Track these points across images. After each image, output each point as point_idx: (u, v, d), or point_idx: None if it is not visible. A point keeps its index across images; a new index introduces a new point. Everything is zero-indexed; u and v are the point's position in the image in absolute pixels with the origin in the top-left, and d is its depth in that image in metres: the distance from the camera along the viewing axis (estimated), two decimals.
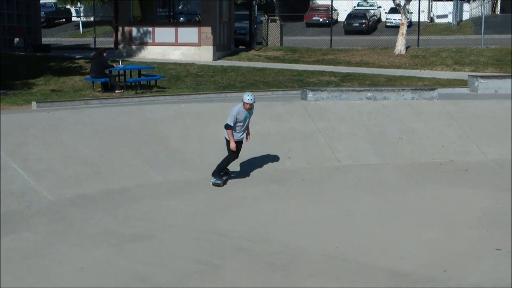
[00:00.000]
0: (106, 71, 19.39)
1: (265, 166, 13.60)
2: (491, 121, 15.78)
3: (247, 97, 12.23)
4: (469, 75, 20.07)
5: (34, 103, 15.20)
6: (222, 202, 11.55)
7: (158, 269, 8.64)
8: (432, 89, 16.61)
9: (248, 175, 13.06)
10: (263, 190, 12.28)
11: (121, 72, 20.08)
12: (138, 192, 11.84)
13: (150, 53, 28.71)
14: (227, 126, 12.19)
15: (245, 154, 13.21)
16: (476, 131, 15.42)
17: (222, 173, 12.54)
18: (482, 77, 19.07)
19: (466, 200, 11.92)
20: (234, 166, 12.87)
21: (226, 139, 12.42)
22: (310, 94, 15.88)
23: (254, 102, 12.24)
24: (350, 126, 15.21)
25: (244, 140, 12.67)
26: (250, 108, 12.25)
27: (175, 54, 28.48)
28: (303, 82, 22.18)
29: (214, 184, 12.34)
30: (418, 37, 32.16)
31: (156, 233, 9.97)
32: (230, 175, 12.78)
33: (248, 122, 12.52)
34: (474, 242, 9.96)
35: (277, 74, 24.21)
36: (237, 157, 12.58)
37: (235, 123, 12.18)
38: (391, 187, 12.74)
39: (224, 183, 12.43)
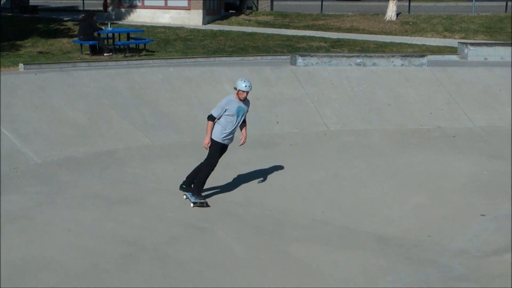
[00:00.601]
0: (95, 34, 19.21)
1: (253, 131, 13.55)
2: (479, 88, 15.81)
3: (243, 83, 9.46)
4: (459, 42, 20.03)
5: (21, 65, 15.04)
6: None
7: (145, 232, 8.67)
8: (422, 56, 16.59)
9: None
10: (251, 154, 12.27)
11: (110, 35, 19.90)
12: (126, 155, 11.82)
13: (140, 16, 28.43)
14: (210, 117, 9.57)
15: None
16: (464, 98, 15.45)
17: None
18: (472, 44, 19.04)
19: (453, 166, 12.00)
20: None
21: (212, 140, 9.66)
22: (300, 59, 15.82)
23: (251, 89, 9.62)
24: (339, 91, 15.19)
25: (232, 143, 10.02)
26: (245, 98, 9.63)
27: (165, 18, 28.20)
28: (292, 47, 22.08)
29: (197, 205, 9.59)
30: (409, 3, 31.96)
31: (143, 196, 9.99)
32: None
33: (244, 119, 9.82)
34: (460, 208, 10.06)
35: (267, 39, 24.08)
36: (215, 164, 9.73)
37: (221, 116, 9.55)
38: (378, 152, 12.78)
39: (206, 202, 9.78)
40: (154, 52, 20.24)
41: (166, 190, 10.32)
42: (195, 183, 9.72)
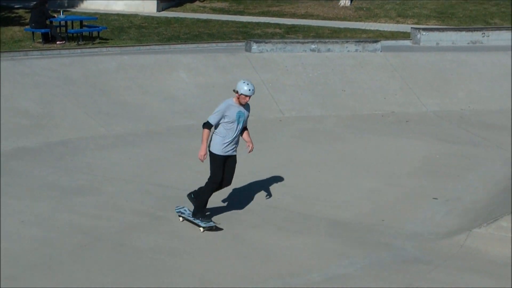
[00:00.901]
0: (47, 22, 18.93)
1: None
2: (432, 73, 16.04)
3: (245, 86, 8.33)
4: (411, 28, 20.26)
5: None
6: (165, 154, 11.53)
7: (101, 222, 8.64)
8: (376, 41, 16.77)
9: (191, 126, 13.02)
10: None
11: (63, 22, 19.61)
12: (80, 145, 11.71)
13: (93, 4, 28.04)
14: (205, 125, 8.42)
15: (188, 106, 13.14)
16: (417, 83, 15.67)
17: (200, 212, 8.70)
18: (424, 29, 19.30)
19: (406, 151, 12.18)
20: (176, 121, 12.73)
21: (211, 153, 8.57)
22: (255, 46, 15.85)
23: (254, 93, 8.49)
24: (294, 78, 15.27)
25: (235, 151, 8.70)
26: (246, 102, 8.56)
27: (119, 5, 27.88)
28: (247, 34, 22.06)
29: (207, 229, 8.54)
30: None
31: (98, 186, 9.93)
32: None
33: (245, 125, 8.71)
34: (413, 192, 10.24)
35: (221, 26, 24.02)
36: (219, 181, 8.65)
37: (219, 124, 8.46)
38: (333, 138, 12.91)
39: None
40: (108, 40, 20.04)
41: (121, 179, 10.27)
42: (197, 204, 8.66)
